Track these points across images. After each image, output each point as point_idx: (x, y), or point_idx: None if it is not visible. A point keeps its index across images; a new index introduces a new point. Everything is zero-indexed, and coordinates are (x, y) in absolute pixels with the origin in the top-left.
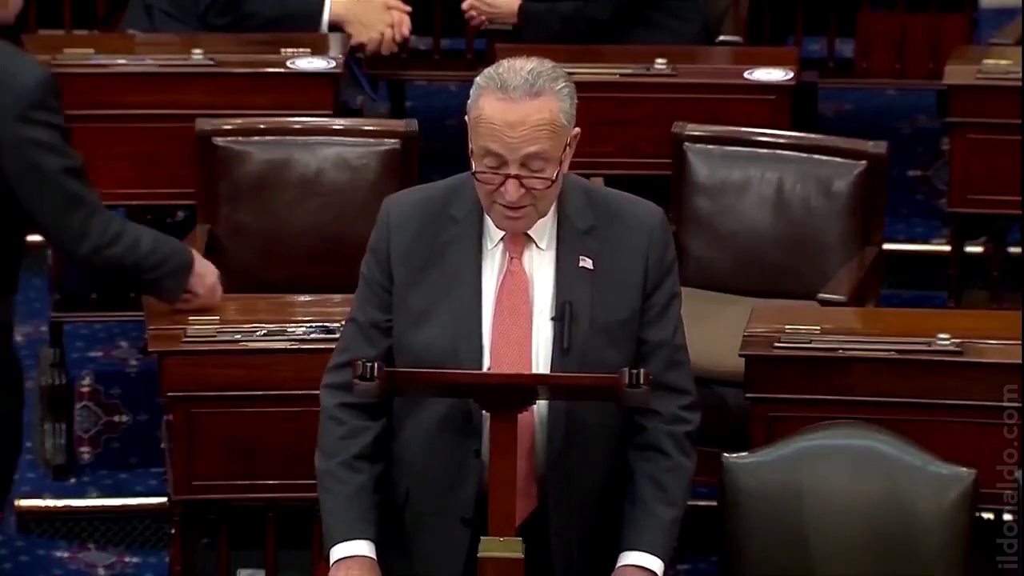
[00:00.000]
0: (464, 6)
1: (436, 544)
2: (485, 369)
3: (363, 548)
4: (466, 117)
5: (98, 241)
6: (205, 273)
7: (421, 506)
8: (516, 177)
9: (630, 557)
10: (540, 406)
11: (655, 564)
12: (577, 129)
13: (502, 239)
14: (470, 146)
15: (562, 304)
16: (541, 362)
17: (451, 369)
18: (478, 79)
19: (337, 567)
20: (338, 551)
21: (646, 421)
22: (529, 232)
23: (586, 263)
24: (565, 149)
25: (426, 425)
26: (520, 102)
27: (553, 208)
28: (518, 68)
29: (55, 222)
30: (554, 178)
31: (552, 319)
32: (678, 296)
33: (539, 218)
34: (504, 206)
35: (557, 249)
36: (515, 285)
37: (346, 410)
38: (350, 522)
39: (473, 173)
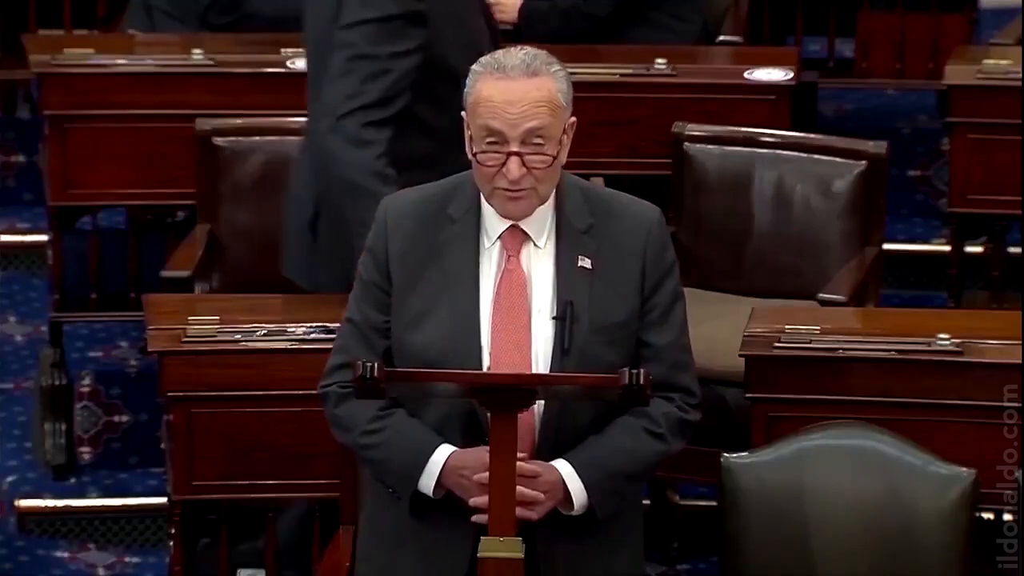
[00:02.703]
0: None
1: (440, 543)
2: (485, 369)
3: (448, 448)
4: (462, 111)
5: (329, 124)
6: None
7: (425, 504)
8: (517, 154)
9: (562, 468)
10: (539, 406)
11: (577, 492)
12: (574, 118)
13: (499, 237)
14: (467, 133)
15: (564, 304)
16: (540, 362)
17: (451, 369)
18: (473, 66)
19: (450, 475)
20: (430, 469)
21: (647, 408)
22: (527, 230)
23: (584, 263)
24: (564, 133)
25: (429, 424)
26: (518, 80)
27: (551, 206)
28: (514, 52)
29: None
30: (555, 155)
31: (553, 318)
32: (681, 298)
33: (540, 204)
34: (505, 188)
35: (556, 248)
36: (513, 284)
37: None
38: (420, 439)
39: (474, 155)
